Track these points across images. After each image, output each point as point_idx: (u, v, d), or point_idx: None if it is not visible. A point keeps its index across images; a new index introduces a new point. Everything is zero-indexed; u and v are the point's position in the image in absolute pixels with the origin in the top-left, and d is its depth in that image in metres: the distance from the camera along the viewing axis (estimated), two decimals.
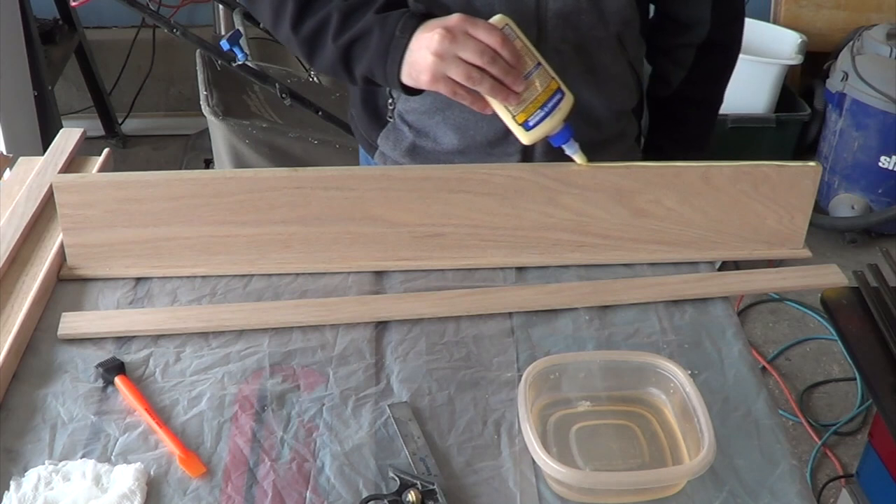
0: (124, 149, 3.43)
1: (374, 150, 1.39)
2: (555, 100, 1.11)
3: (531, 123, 1.11)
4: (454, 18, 1.05)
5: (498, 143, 1.29)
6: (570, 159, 1.19)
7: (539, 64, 1.11)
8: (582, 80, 1.25)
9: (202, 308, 1.16)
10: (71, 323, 1.12)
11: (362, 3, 1.12)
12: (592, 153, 1.19)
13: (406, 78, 1.09)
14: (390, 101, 1.33)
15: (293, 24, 1.15)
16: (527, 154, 1.29)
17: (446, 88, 1.07)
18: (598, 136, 1.31)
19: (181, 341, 1.12)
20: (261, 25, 2.70)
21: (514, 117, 1.11)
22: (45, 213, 1.30)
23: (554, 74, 1.12)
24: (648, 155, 1.44)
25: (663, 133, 1.45)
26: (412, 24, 1.08)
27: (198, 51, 2.68)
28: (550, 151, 1.22)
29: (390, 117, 1.34)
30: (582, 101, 1.20)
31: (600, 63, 1.27)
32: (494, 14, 1.11)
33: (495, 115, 1.13)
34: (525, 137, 1.12)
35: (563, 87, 1.12)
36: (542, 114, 1.11)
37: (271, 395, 1.04)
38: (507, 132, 1.15)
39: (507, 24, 1.10)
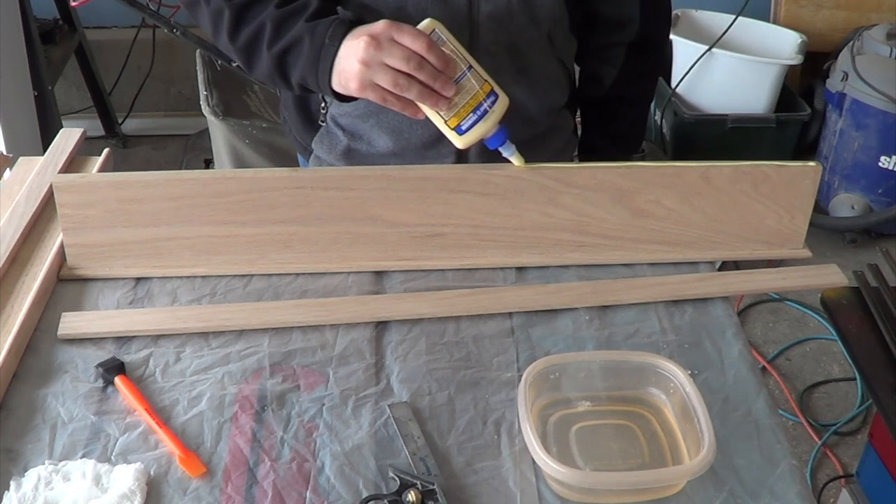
0: (124, 149, 3.43)
1: (309, 154, 1.40)
2: (488, 102, 1.11)
3: (464, 127, 1.11)
4: (380, 25, 1.05)
5: (432, 146, 1.29)
6: (506, 160, 1.18)
7: (470, 67, 1.10)
8: (515, 80, 1.25)
9: (202, 308, 1.16)
10: (71, 323, 1.12)
11: (295, 11, 1.11)
12: (528, 149, 1.19)
13: (337, 86, 1.09)
14: (322, 105, 1.33)
15: (230, 33, 1.15)
16: (461, 156, 1.29)
17: (375, 95, 1.06)
18: (533, 133, 1.32)
19: (181, 341, 1.12)
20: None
21: (446, 122, 1.11)
22: (45, 213, 1.30)
23: (487, 77, 1.11)
24: (582, 155, 1.46)
25: (596, 132, 1.46)
26: (341, 32, 1.07)
27: (198, 51, 2.68)
28: (485, 153, 1.21)
29: (323, 121, 1.34)
30: (515, 100, 1.19)
31: (532, 63, 1.27)
32: (426, 18, 1.10)
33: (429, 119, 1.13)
34: (459, 142, 1.12)
35: (497, 90, 1.12)
36: (475, 117, 1.10)
37: (271, 395, 1.04)
38: (442, 134, 1.15)
39: (434, 29, 1.08)
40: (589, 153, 1.45)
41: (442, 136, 1.16)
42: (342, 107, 1.29)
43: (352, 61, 1.05)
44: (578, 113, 1.47)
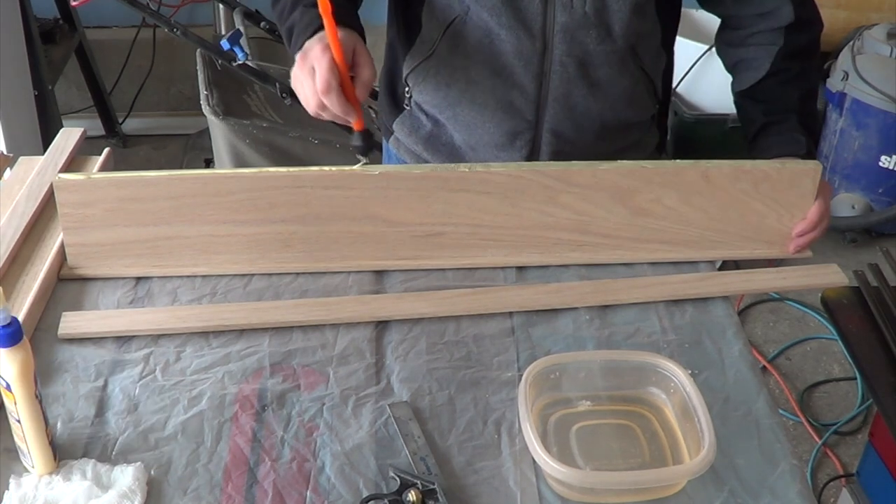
0: (125, 148, 3.43)
1: (391, 135, 1.42)
2: None
3: None
4: (316, 48, 1.10)
5: (504, 147, 1.31)
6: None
7: None
8: (587, 92, 1.27)
9: (202, 308, 1.16)
10: (71, 323, 1.12)
11: None
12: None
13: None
14: (406, 88, 1.34)
15: (272, 4, 1.23)
16: (532, 155, 1.31)
17: (301, 99, 1.15)
18: (610, 148, 1.32)
19: (182, 340, 1.12)
20: (261, 25, 2.71)
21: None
22: (45, 212, 1.30)
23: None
24: (752, 154, 1.36)
25: (762, 117, 1.35)
26: (315, 26, 1.14)
27: (198, 50, 2.67)
28: (557, 153, 1.26)
29: (407, 105, 1.36)
30: (587, 113, 1.24)
31: (607, 76, 1.27)
32: (498, 26, 1.18)
33: (504, 117, 1.21)
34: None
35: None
36: None
37: (272, 394, 1.04)
38: (515, 136, 1.21)
39: None
40: (763, 145, 1.34)
41: (513, 139, 1.26)
42: (424, 94, 1.32)
43: (296, 64, 1.13)
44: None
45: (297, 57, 1.13)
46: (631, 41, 1.26)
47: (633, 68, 1.29)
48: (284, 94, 2.42)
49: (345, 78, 1.11)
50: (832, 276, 1.28)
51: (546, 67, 1.24)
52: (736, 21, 1.35)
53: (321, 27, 1.11)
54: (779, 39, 1.31)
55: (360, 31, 1.16)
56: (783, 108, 1.32)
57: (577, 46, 1.23)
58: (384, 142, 1.45)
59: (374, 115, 1.49)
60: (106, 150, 1.45)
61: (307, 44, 1.13)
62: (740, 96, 1.37)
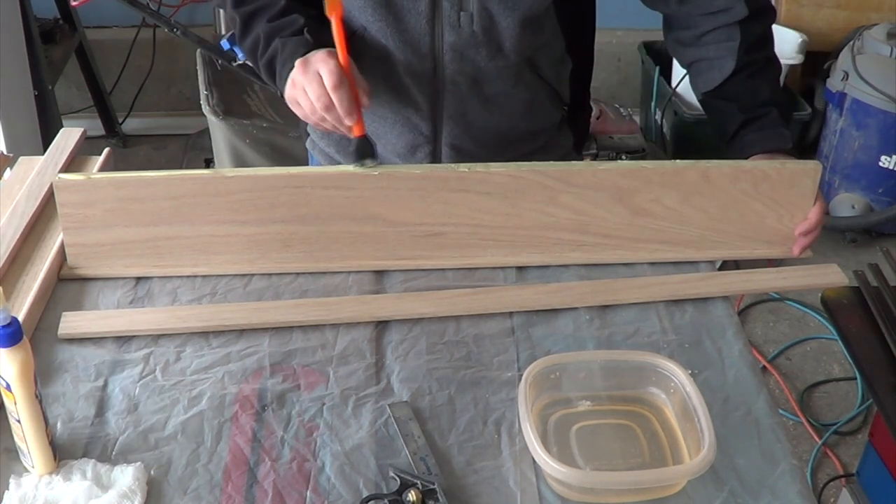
0: (125, 148, 3.43)
1: (307, 137, 1.45)
2: None
3: None
4: (318, 54, 1.12)
5: (406, 157, 1.32)
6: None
7: None
8: (483, 108, 1.27)
9: (202, 308, 1.16)
10: (71, 322, 1.12)
11: (281, 27, 1.19)
12: None
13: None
14: None
15: (240, 39, 1.25)
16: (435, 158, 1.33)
17: (299, 112, 1.16)
18: (513, 154, 1.30)
19: (182, 340, 1.12)
20: None
21: None
22: (45, 212, 1.30)
23: None
24: (733, 152, 1.32)
25: (740, 114, 1.30)
26: (302, 51, 1.15)
27: (198, 50, 2.68)
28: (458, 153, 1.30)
29: None
30: (485, 127, 1.27)
31: (502, 91, 1.27)
32: (389, 44, 1.20)
33: (403, 130, 1.27)
34: None
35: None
36: None
37: (272, 394, 1.04)
38: (414, 148, 1.28)
39: None
40: (739, 145, 1.31)
41: (414, 148, 1.28)
42: None
43: (290, 80, 1.14)
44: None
45: (296, 68, 1.12)
46: (525, 55, 1.25)
47: (530, 80, 1.29)
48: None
49: (351, 80, 1.11)
50: (832, 276, 1.28)
51: (438, 86, 1.25)
52: (685, 20, 1.32)
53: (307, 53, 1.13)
54: (736, 35, 1.28)
55: None
56: (760, 102, 1.29)
57: (468, 64, 1.23)
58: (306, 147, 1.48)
59: None
60: (106, 150, 1.45)
61: (308, 56, 1.13)
62: (708, 96, 1.34)
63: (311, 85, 1.10)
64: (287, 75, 1.15)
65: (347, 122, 1.12)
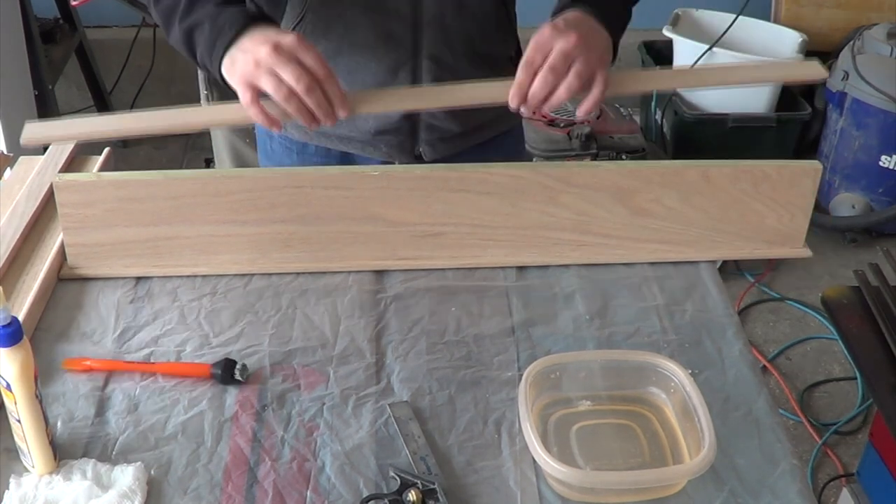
0: (125, 148, 3.43)
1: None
2: None
3: None
4: (290, 37, 1.05)
5: (387, 84, 1.28)
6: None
7: None
8: (458, 13, 1.26)
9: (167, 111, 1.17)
10: (34, 131, 1.12)
11: None
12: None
13: (226, 72, 1.09)
14: None
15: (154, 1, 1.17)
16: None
17: (245, 97, 1.06)
18: (490, 73, 1.26)
19: (182, 340, 1.12)
20: None
21: None
22: (45, 212, 1.30)
23: None
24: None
25: None
26: (241, 21, 1.08)
27: None
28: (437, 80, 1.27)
29: None
30: (459, 33, 1.27)
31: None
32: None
33: (385, 51, 1.22)
34: None
35: None
36: None
37: (272, 394, 1.04)
38: (396, 68, 1.25)
39: None
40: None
41: (396, 69, 1.26)
42: None
43: (247, 57, 1.05)
44: None
45: (261, 46, 1.04)
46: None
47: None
48: None
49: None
50: (811, 69, 1.20)
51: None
52: None
53: (247, 26, 1.07)
54: None
55: None
56: None
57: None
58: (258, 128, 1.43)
59: None
60: (106, 150, 1.45)
61: (264, 34, 1.06)
62: None
63: (287, 65, 1.03)
64: (226, 47, 1.07)
65: (341, 112, 1.07)
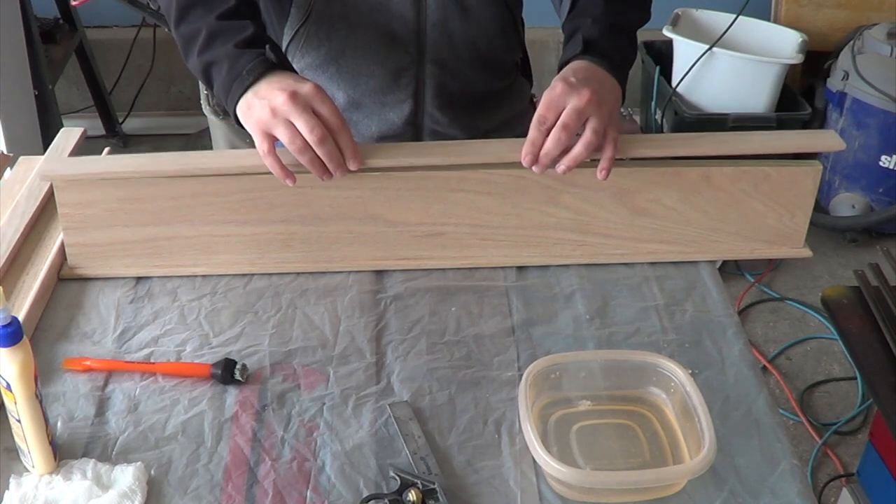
0: (125, 148, 3.43)
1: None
2: None
3: None
4: (308, 86, 1.06)
5: (390, 89, 1.31)
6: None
7: None
8: (461, 17, 1.27)
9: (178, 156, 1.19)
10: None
11: (229, 29, 1.12)
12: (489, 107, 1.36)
13: (240, 115, 1.11)
14: (287, 61, 1.32)
15: (175, 24, 1.18)
16: (417, 101, 1.32)
17: (262, 146, 1.09)
18: (486, 87, 1.36)
19: (182, 340, 1.12)
20: None
21: None
22: (45, 212, 1.30)
23: None
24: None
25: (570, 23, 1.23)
26: (261, 69, 1.09)
27: None
28: (440, 86, 1.31)
29: None
30: (463, 38, 1.29)
31: (476, 1, 1.28)
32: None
33: (388, 55, 1.26)
34: None
35: None
36: None
37: (272, 394, 1.04)
38: (399, 73, 1.28)
39: None
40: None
41: (399, 74, 1.28)
42: (307, 57, 1.31)
43: (264, 104, 1.06)
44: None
45: (278, 93, 1.05)
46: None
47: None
48: None
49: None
50: (829, 140, 1.23)
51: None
52: None
53: (267, 71, 1.08)
54: None
55: None
56: (582, 13, 1.21)
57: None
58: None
59: None
60: (106, 150, 1.45)
61: (281, 81, 1.07)
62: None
63: (301, 115, 1.04)
64: (243, 91, 1.09)
65: (352, 165, 1.09)
